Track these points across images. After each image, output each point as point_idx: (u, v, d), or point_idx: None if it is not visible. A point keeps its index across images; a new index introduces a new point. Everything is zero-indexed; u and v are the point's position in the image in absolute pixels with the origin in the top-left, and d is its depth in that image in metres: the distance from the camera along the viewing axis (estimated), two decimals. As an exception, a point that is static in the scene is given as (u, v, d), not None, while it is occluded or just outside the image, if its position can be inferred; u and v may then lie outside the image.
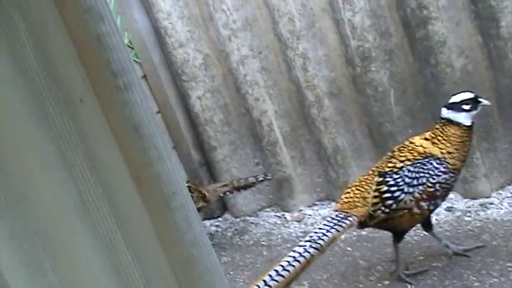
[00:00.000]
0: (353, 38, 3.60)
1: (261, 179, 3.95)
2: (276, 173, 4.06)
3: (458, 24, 3.42)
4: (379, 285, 3.18)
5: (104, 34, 0.95)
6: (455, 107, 2.98)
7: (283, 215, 4.17)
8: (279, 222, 4.12)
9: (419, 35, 3.48)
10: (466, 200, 3.66)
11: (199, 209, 3.67)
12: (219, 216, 4.40)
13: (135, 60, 4.08)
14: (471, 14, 3.39)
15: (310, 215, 4.02)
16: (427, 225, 3.19)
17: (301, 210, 4.12)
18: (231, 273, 3.68)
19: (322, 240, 2.84)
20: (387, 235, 3.39)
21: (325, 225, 2.94)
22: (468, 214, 3.57)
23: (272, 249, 3.77)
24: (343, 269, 3.38)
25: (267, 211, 4.27)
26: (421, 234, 3.45)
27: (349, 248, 3.56)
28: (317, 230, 2.92)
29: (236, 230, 4.19)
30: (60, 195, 0.98)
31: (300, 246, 2.83)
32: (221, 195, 3.85)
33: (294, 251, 2.81)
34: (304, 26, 3.70)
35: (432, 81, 3.53)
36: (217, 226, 4.29)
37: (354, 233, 3.54)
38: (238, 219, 4.31)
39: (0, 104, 0.92)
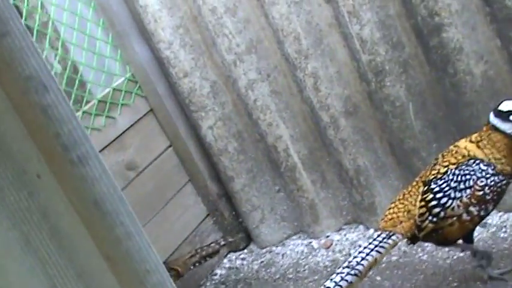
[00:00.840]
0: (363, 52, 3.56)
1: (223, 243, 4.02)
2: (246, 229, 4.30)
3: (474, 28, 3.36)
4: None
5: (49, 105, 0.94)
6: (502, 115, 2.92)
7: (310, 242, 4.19)
8: (306, 250, 4.14)
9: (434, 43, 3.43)
10: (500, 213, 3.57)
11: None
12: (244, 248, 4.41)
13: (140, 95, 4.08)
14: (486, 16, 3.33)
15: (338, 241, 4.01)
16: (469, 238, 3.12)
17: (328, 236, 4.09)
18: (257, 313, 3.62)
19: (362, 265, 2.75)
20: (418, 260, 3.33)
21: (365, 248, 2.87)
22: (504, 229, 3.46)
23: (299, 284, 3.80)
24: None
25: (293, 239, 4.29)
26: (454, 257, 3.38)
27: (378, 278, 3.51)
28: (356, 254, 2.84)
29: (262, 262, 4.23)
30: (30, 283, 0.98)
31: (337, 274, 2.74)
32: (191, 267, 3.86)
33: (330, 279, 2.72)
34: (311, 44, 3.67)
35: (452, 90, 3.48)
36: (243, 259, 4.34)
37: (384, 260, 3.47)
38: (264, 250, 4.33)
39: None
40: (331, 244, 4.06)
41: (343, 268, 2.73)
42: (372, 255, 2.77)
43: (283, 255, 4.19)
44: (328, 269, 3.81)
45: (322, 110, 3.81)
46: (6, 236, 0.95)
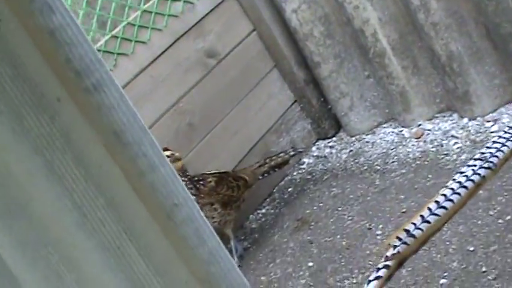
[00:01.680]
0: None
1: (293, 153, 4.03)
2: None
3: None
4: (500, 221, 3.11)
5: (56, 27, 0.92)
6: None
7: (401, 131, 4.18)
8: (396, 140, 4.14)
9: None
10: None
11: (243, 200, 3.76)
12: (333, 136, 4.45)
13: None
14: None
15: (429, 130, 3.98)
16: None
17: (419, 125, 4.09)
18: (339, 208, 3.77)
19: (496, 157, 2.36)
20: None
21: (500, 137, 2.48)
22: None
23: (386, 177, 3.84)
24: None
25: (383, 127, 4.29)
26: None
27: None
28: (490, 145, 2.46)
29: (351, 151, 4.27)
30: (58, 212, 0.98)
31: (469, 166, 2.34)
32: (259, 177, 3.89)
33: (461, 173, 2.35)
34: None
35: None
36: (331, 147, 4.40)
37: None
38: (353, 139, 4.37)
39: None
40: (423, 134, 4.03)
41: (475, 160, 2.38)
42: (508, 146, 2.42)
43: (373, 143, 4.21)
44: (417, 162, 3.81)
45: (412, -8, 3.68)
46: (29, 164, 0.95)
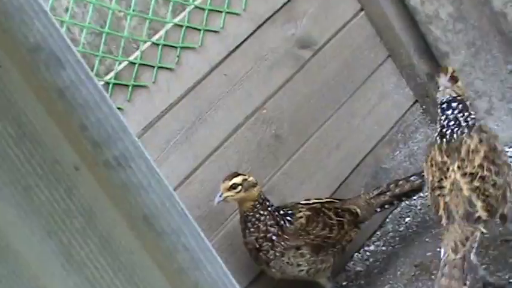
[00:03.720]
0: None
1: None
2: None
3: None
4: None
5: (67, 86, 0.92)
6: None
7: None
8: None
9: None
10: None
11: (349, 240, 3.46)
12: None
13: None
14: None
15: None
16: None
17: None
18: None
19: None
20: None
21: None
22: None
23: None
24: None
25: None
26: None
27: None
28: None
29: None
30: None
31: None
32: (377, 209, 3.55)
33: None
34: None
35: None
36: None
37: None
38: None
39: None
40: None
41: None
42: None
43: (517, 158, 3.98)
44: None
45: None
46: (41, 249, 0.95)
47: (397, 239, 3.79)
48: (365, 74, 3.99)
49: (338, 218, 3.39)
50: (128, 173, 0.93)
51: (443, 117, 3.16)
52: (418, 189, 3.65)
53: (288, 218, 3.31)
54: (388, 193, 3.58)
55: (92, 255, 0.95)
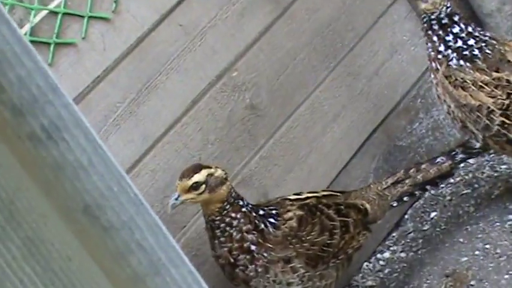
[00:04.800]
0: None
1: (461, 157, 3.40)
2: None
3: None
4: None
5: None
6: None
7: None
8: None
9: None
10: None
11: (357, 248, 3.32)
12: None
13: None
14: None
15: None
16: None
17: None
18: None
19: None
20: None
21: None
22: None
23: None
24: None
25: None
26: None
27: None
28: None
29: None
30: None
31: None
32: (393, 204, 3.35)
33: None
34: None
35: None
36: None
37: None
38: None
39: None
40: None
41: None
42: None
43: None
44: None
45: None
46: None
47: (420, 241, 3.65)
48: (369, 20, 3.73)
49: (341, 218, 3.20)
50: (61, 148, 0.89)
51: (450, 37, 3.12)
52: (448, 174, 3.47)
53: (272, 219, 3.06)
54: (406, 181, 3.40)
55: (14, 264, 0.92)
